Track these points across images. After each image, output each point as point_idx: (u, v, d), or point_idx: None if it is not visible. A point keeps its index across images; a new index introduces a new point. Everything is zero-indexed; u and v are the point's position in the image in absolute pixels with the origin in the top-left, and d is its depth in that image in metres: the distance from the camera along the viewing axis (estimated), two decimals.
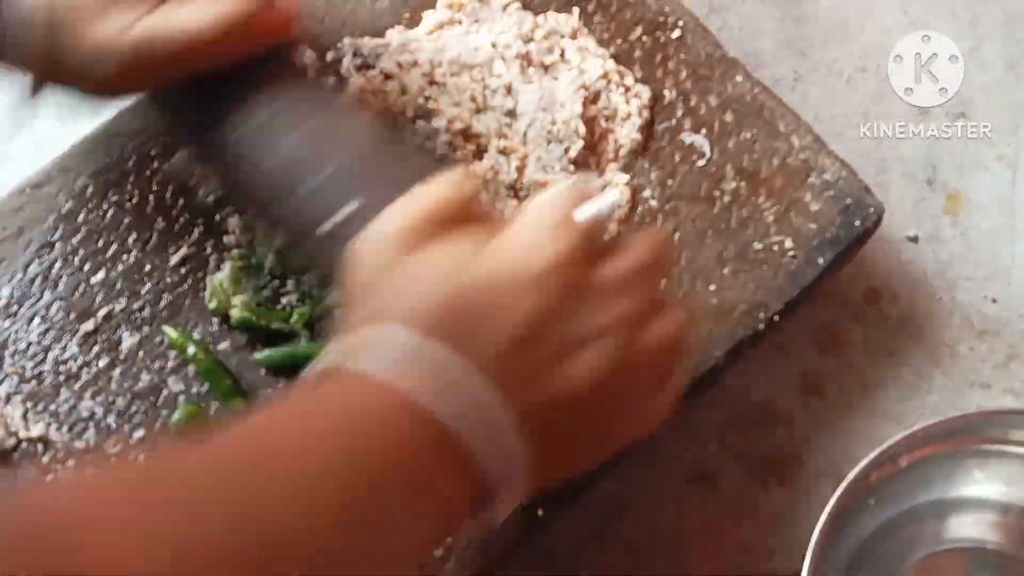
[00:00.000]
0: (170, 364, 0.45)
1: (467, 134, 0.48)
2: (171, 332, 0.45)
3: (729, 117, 0.50)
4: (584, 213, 0.35)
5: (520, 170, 0.48)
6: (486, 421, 0.31)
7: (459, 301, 0.32)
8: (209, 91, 0.41)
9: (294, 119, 0.40)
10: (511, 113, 0.49)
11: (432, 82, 0.48)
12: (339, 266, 0.36)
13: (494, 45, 0.50)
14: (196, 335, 0.45)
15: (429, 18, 0.52)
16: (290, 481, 0.28)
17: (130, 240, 0.47)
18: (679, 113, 0.50)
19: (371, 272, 0.34)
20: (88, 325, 0.46)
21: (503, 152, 0.48)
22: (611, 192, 0.35)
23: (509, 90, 0.49)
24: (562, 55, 0.51)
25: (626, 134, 0.49)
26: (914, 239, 0.53)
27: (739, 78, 0.50)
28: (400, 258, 0.33)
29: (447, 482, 0.31)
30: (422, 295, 0.32)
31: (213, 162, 0.44)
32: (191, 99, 0.43)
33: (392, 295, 0.33)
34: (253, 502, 0.27)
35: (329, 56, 0.50)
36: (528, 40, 0.50)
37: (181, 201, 0.48)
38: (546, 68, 0.50)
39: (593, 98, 0.50)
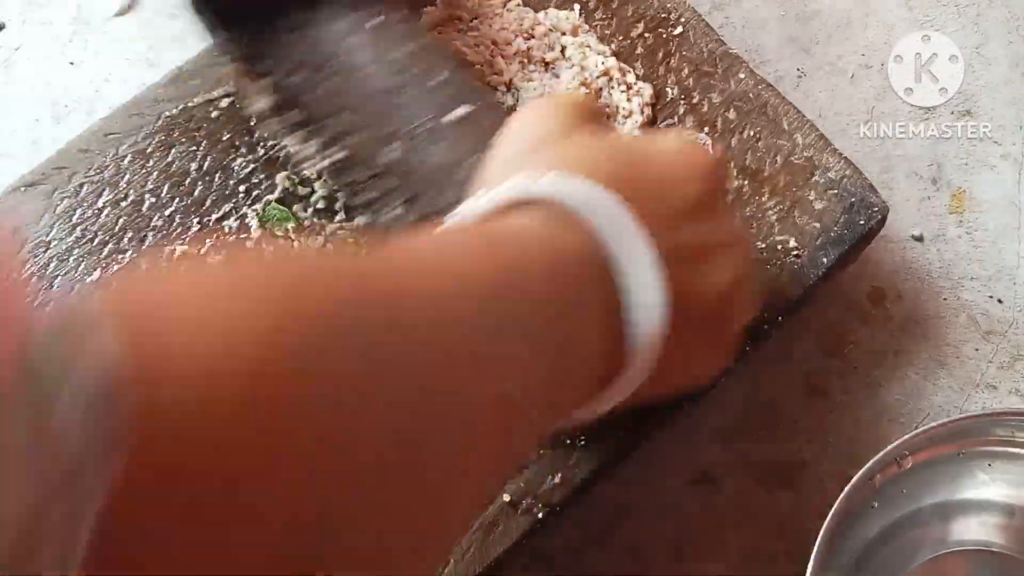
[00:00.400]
0: None
1: None
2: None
3: (732, 114, 0.49)
4: None
5: None
6: (645, 287, 0.31)
7: (632, 169, 0.33)
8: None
9: (408, 31, 0.40)
10: (512, 111, 0.48)
11: None
12: (434, 185, 0.36)
13: (494, 42, 0.49)
14: None
15: (428, 16, 0.51)
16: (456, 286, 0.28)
17: (125, 239, 0.47)
18: (681, 110, 0.50)
19: (541, 132, 0.35)
20: None
21: None
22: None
23: (509, 87, 0.48)
24: (563, 52, 0.50)
25: (628, 132, 0.49)
26: (919, 238, 0.53)
27: (742, 75, 0.50)
28: (567, 127, 0.35)
29: (599, 321, 0.31)
30: (598, 157, 0.33)
31: (308, 58, 0.42)
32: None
33: (567, 153, 0.33)
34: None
35: None
36: (529, 37, 0.50)
37: (177, 201, 0.48)
38: (547, 65, 0.50)
39: (594, 96, 0.49)
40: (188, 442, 0.20)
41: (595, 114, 0.37)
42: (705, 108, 0.50)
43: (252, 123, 0.49)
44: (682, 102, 0.50)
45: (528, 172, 0.32)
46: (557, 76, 0.50)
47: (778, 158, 0.48)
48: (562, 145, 0.34)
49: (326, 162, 0.43)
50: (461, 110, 0.38)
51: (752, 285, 0.37)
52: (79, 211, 0.47)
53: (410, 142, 0.39)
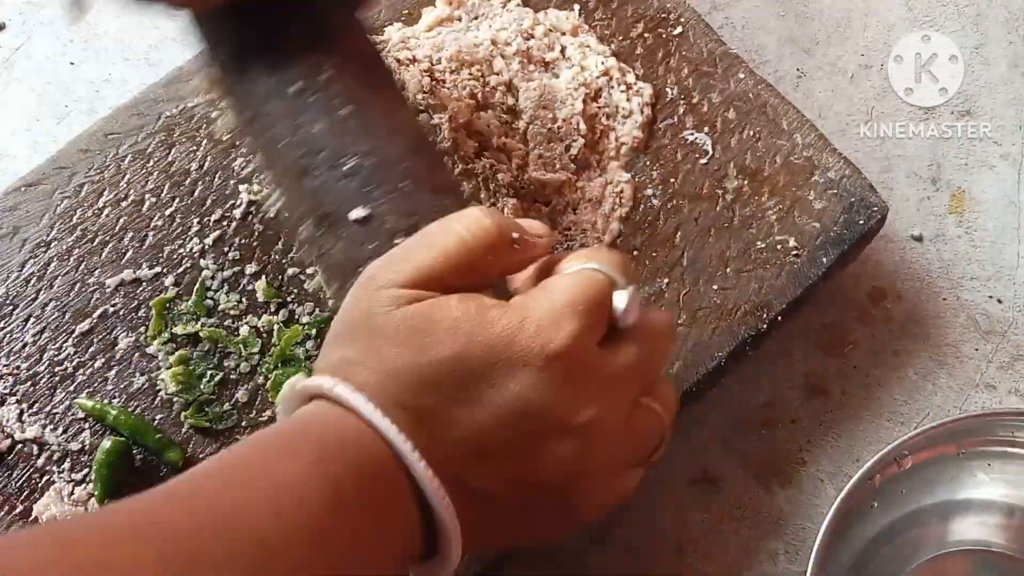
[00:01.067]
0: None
1: (468, 130, 0.47)
2: (86, 403, 0.44)
3: (731, 114, 0.49)
4: (616, 295, 0.33)
5: (521, 168, 0.47)
6: (429, 493, 0.30)
7: (444, 373, 0.30)
8: (257, 27, 0.39)
9: (334, 100, 0.38)
10: (511, 110, 0.48)
11: (432, 78, 0.48)
12: (337, 279, 0.35)
13: (494, 42, 0.49)
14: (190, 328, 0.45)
15: (428, 15, 0.51)
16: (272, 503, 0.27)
17: (126, 239, 0.47)
18: (681, 110, 0.50)
19: (363, 313, 0.32)
20: (83, 325, 0.45)
21: (502, 150, 0.47)
22: (630, 290, 0.33)
23: (509, 87, 0.48)
24: (563, 52, 0.50)
25: (627, 132, 0.49)
26: (918, 238, 0.53)
27: (742, 75, 0.50)
28: (396, 307, 0.31)
29: (399, 525, 0.30)
30: (403, 360, 0.31)
31: (244, 109, 0.40)
32: (238, 34, 0.40)
33: (375, 350, 0.31)
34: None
35: None
36: (528, 37, 0.50)
37: (177, 200, 0.48)
38: (546, 65, 0.50)
39: (594, 95, 0.49)
40: None
41: (462, 267, 0.33)
42: (705, 108, 0.50)
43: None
44: (682, 102, 0.50)
45: (327, 366, 0.32)
46: (557, 76, 0.50)
47: (778, 158, 0.48)
48: (378, 337, 0.31)
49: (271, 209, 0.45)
50: (358, 212, 0.36)
51: (635, 433, 0.33)
52: (79, 211, 0.47)
53: (316, 229, 0.38)
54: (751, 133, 0.49)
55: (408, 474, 0.30)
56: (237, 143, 0.49)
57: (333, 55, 0.38)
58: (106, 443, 0.42)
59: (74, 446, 0.43)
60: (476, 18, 0.51)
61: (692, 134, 0.49)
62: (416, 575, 0.32)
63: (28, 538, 0.27)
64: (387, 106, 0.39)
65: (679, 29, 0.51)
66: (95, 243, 0.47)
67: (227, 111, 0.45)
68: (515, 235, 0.33)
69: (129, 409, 0.44)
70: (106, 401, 0.44)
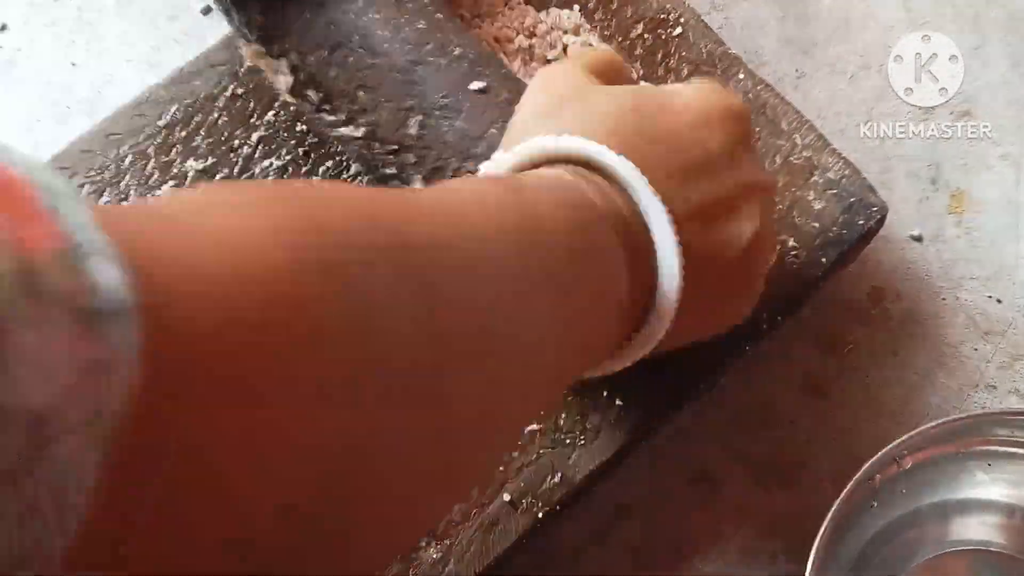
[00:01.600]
0: None
1: None
2: None
3: None
4: None
5: None
6: (661, 245, 0.32)
7: (646, 127, 0.33)
8: None
9: (429, 5, 0.41)
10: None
11: None
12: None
13: (496, 39, 0.49)
14: None
15: None
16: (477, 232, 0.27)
17: None
18: None
19: (562, 91, 0.35)
20: None
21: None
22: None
23: None
24: (565, 51, 0.50)
25: None
26: (918, 239, 0.53)
27: (741, 75, 0.50)
28: (587, 85, 0.35)
29: (622, 274, 0.32)
30: (611, 118, 0.33)
31: (318, 32, 0.42)
32: None
33: (583, 115, 0.34)
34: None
35: None
36: (530, 35, 0.50)
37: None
38: (548, 63, 0.50)
39: (614, 51, 0.49)
40: (210, 354, 0.17)
41: (614, 69, 0.38)
42: None
43: (254, 121, 0.49)
44: None
45: (544, 135, 0.33)
46: None
47: (777, 158, 0.48)
48: (578, 106, 0.34)
49: (346, 136, 0.43)
50: (476, 84, 0.40)
51: (773, 230, 0.38)
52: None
53: (427, 118, 0.40)
54: None
55: (644, 235, 0.32)
56: (237, 144, 0.49)
57: None
58: None
59: None
60: (477, 16, 0.51)
61: (711, 82, 0.49)
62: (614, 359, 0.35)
63: None
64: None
65: (679, 30, 0.51)
66: None
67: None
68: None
69: None
70: None
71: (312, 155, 0.48)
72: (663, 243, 0.32)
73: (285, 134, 0.49)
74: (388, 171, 0.42)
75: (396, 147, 0.41)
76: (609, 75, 0.38)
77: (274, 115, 0.49)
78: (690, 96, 0.36)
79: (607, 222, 0.32)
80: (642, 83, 0.40)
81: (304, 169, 0.48)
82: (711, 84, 0.38)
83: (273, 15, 0.42)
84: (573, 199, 0.31)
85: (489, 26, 0.50)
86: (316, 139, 0.48)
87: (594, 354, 0.34)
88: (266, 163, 0.48)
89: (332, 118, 0.42)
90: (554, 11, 0.51)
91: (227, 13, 0.43)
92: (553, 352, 0.29)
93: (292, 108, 0.49)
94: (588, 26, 0.51)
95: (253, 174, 0.48)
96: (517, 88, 0.39)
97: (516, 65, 0.49)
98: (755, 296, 0.39)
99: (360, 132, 0.42)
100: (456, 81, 0.40)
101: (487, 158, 0.35)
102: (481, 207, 0.28)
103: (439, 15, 0.41)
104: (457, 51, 0.41)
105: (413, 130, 0.40)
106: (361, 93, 0.41)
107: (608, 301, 0.32)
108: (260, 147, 0.49)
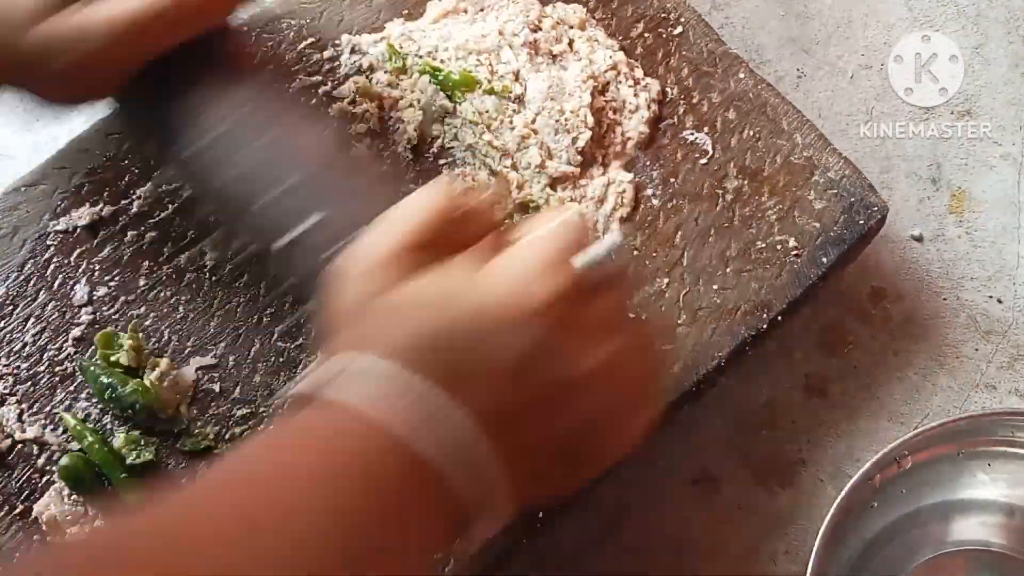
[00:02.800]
0: None
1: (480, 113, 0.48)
2: (69, 420, 0.43)
3: (732, 114, 0.49)
4: (582, 260, 0.34)
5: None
6: (464, 454, 0.30)
7: (444, 336, 0.31)
8: (165, 97, 0.41)
9: (248, 132, 0.40)
10: (519, 100, 0.48)
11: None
12: (310, 282, 0.36)
13: (501, 33, 0.49)
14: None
15: (434, 8, 0.51)
16: (272, 523, 0.27)
17: (126, 240, 0.47)
18: (681, 110, 0.50)
19: (355, 297, 0.33)
20: (84, 325, 0.45)
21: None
22: (609, 236, 0.35)
23: (517, 77, 0.48)
24: (570, 45, 0.50)
25: (633, 127, 0.49)
26: (918, 238, 0.53)
27: (742, 75, 0.50)
28: (386, 284, 0.32)
29: (426, 514, 0.31)
30: (407, 328, 0.32)
31: (180, 174, 0.44)
32: (149, 112, 0.42)
33: (376, 325, 0.32)
34: (236, 554, 0.26)
35: (327, 53, 0.50)
36: (536, 29, 0.50)
37: (176, 201, 0.48)
38: (554, 57, 0.50)
39: (601, 89, 0.49)
40: None
41: (452, 225, 0.34)
42: (705, 108, 0.50)
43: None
44: (682, 102, 0.50)
45: (324, 363, 0.32)
46: (564, 68, 0.49)
47: (778, 158, 0.48)
48: (377, 313, 0.32)
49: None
50: (313, 218, 0.37)
51: (635, 373, 0.35)
52: (79, 211, 0.47)
53: (282, 252, 0.39)
54: (751, 133, 0.49)
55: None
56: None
57: (234, 91, 0.41)
58: (64, 459, 0.42)
59: (74, 446, 0.43)
60: (482, 10, 0.51)
61: (692, 134, 0.49)
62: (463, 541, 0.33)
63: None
64: (297, 126, 0.41)
65: (679, 29, 0.51)
66: (95, 243, 0.47)
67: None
68: (467, 203, 0.35)
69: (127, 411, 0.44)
70: (87, 424, 0.43)
71: None
72: (473, 459, 0.31)
73: None
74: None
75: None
76: (441, 237, 0.34)
77: None
78: (515, 283, 0.32)
79: (399, 460, 0.30)
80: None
81: None
82: (547, 251, 0.33)
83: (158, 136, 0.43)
84: (359, 448, 0.30)
85: (494, 19, 0.50)
86: None
87: (419, 565, 0.32)
88: None
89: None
90: (560, 5, 0.51)
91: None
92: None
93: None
94: (594, 21, 0.51)
95: None
96: (356, 210, 0.36)
97: (522, 58, 0.49)
98: (600, 465, 0.36)
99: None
100: (296, 213, 0.38)
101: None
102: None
103: (264, 139, 0.39)
104: (287, 184, 0.38)
105: (277, 263, 0.40)
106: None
107: (420, 531, 0.30)
108: None
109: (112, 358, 0.44)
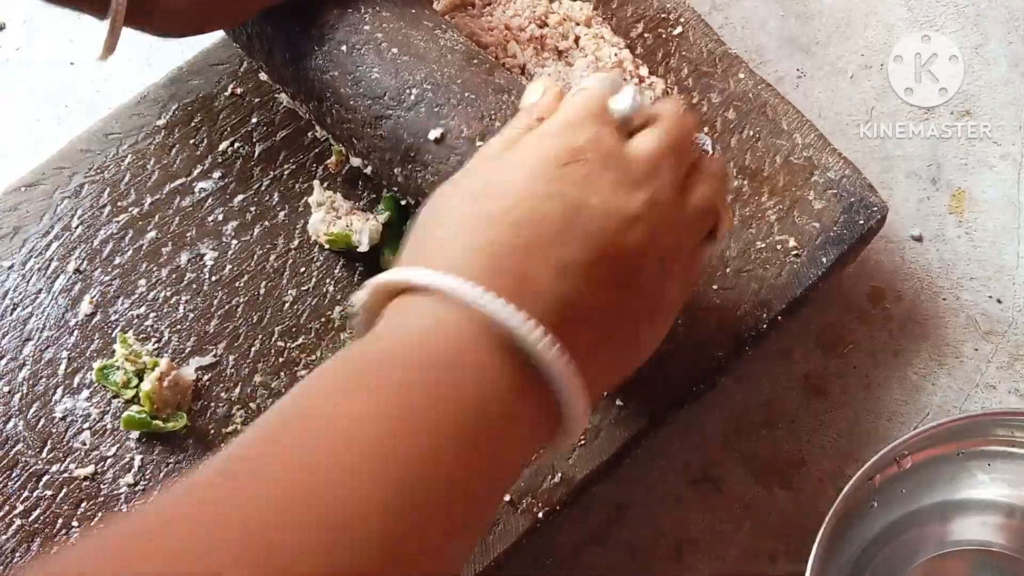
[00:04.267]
0: None
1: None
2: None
3: (731, 114, 0.49)
4: (616, 104, 0.36)
5: None
6: (544, 360, 0.30)
7: (495, 240, 0.32)
8: (290, 15, 0.43)
9: (381, 44, 0.42)
10: None
11: None
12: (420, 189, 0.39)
13: (508, 27, 0.49)
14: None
15: (440, 2, 0.51)
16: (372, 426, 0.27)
17: (126, 239, 0.47)
18: None
19: (436, 202, 0.34)
20: (83, 325, 0.45)
21: None
22: (625, 89, 0.37)
23: (523, 71, 0.48)
24: (576, 42, 0.50)
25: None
26: (918, 239, 0.53)
27: (741, 75, 0.50)
28: (446, 203, 0.34)
29: (528, 408, 0.31)
30: (466, 244, 0.32)
31: (303, 86, 0.44)
32: (275, 32, 0.44)
33: (442, 239, 0.33)
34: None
35: None
36: (542, 25, 0.50)
37: (176, 201, 0.48)
38: (560, 54, 0.50)
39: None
40: None
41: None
42: (705, 108, 0.50)
43: (254, 120, 0.49)
44: (682, 102, 0.50)
45: (415, 267, 0.32)
46: (570, 64, 0.49)
47: (777, 158, 0.48)
48: (435, 230, 0.33)
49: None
50: (433, 133, 0.40)
51: (695, 205, 0.36)
52: (79, 211, 0.47)
53: (404, 167, 0.42)
54: (751, 133, 0.49)
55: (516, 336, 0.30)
56: (237, 146, 0.49)
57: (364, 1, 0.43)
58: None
59: (76, 445, 0.43)
60: (489, 4, 0.51)
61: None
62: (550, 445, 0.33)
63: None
64: (430, 32, 0.43)
65: (679, 29, 0.51)
66: (94, 243, 0.47)
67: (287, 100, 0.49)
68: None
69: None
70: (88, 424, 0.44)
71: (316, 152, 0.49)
72: (545, 360, 0.30)
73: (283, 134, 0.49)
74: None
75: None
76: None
77: (272, 114, 0.49)
78: (554, 136, 0.34)
79: (484, 352, 0.30)
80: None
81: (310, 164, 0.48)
82: (583, 103, 0.35)
83: (271, 64, 0.45)
84: (450, 344, 0.30)
85: (501, 14, 0.50)
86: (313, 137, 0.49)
87: (516, 464, 0.32)
88: (268, 167, 0.48)
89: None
90: (566, 2, 0.51)
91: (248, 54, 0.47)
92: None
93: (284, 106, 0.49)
94: (600, 18, 0.51)
95: (253, 175, 0.48)
96: (478, 115, 0.40)
97: (528, 53, 0.49)
98: (674, 297, 0.36)
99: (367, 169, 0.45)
100: (417, 130, 0.40)
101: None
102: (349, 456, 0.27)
103: (394, 50, 0.42)
104: (413, 95, 0.41)
105: (400, 179, 0.42)
106: (353, 141, 0.44)
107: (510, 441, 0.30)
108: (260, 151, 0.49)
109: (111, 377, 0.44)
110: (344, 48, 0.42)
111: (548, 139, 0.34)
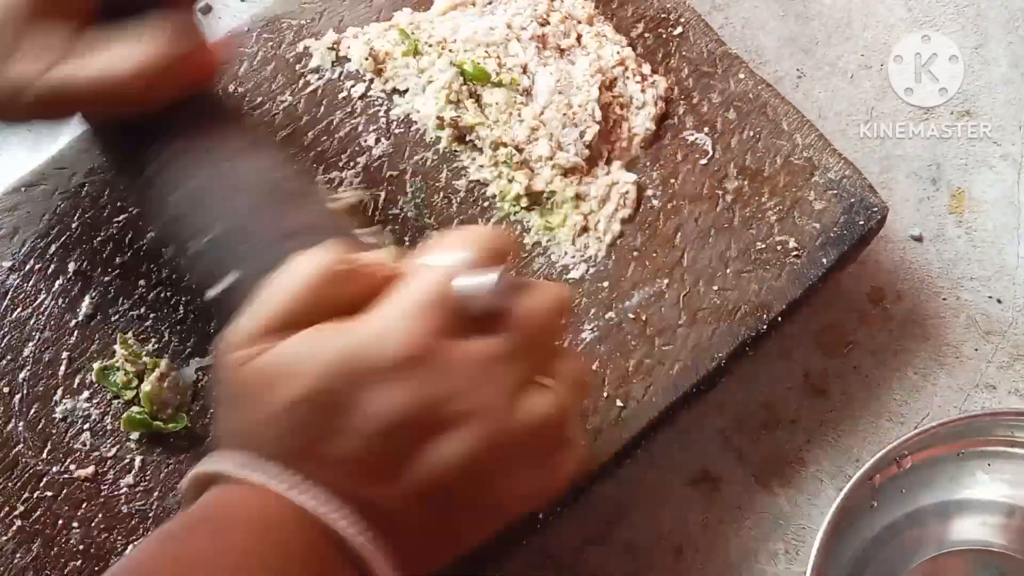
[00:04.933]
0: None
1: (482, 104, 0.48)
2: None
3: (732, 115, 0.49)
4: (460, 284, 0.32)
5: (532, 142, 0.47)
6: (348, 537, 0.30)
7: (307, 412, 0.30)
8: (128, 130, 0.40)
9: (180, 175, 0.39)
10: (527, 92, 0.48)
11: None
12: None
13: (509, 26, 0.49)
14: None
15: (442, 0, 0.51)
16: None
17: (126, 240, 0.47)
18: (681, 111, 0.50)
19: (227, 385, 0.32)
20: (83, 325, 0.45)
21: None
22: (490, 275, 0.32)
23: (525, 70, 0.48)
24: (578, 40, 0.50)
25: (640, 123, 0.49)
26: (918, 239, 0.53)
27: (742, 75, 0.50)
28: (252, 366, 0.31)
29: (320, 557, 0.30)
30: (270, 418, 0.30)
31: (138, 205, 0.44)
32: (114, 136, 0.42)
33: (242, 416, 0.31)
34: None
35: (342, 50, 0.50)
36: (544, 23, 0.50)
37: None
38: (562, 52, 0.50)
39: (609, 84, 0.49)
40: None
41: (332, 290, 0.32)
42: (705, 108, 0.50)
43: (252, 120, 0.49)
44: (682, 102, 0.50)
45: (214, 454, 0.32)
46: (572, 63, 0.49)
47: (778, 158, 0.48)
48: (244, 402, 0.32)
49: None
50: (217, 288, 0.37)
51: (533, 420, 0.32)
52: (79, 211, 0.47)
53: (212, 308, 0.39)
54: (751, 133, 0.49)
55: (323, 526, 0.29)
56: None
57: (174, 132, 0.39)
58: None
59: (76, 445, 0.43)
60: (490, 3, 0.51)
61: (692, 134, 0.49)
62: None
63: None
64: (221, 167, 0.39)
65: (679, 29, 0.51)
66: (94, 244, 0.47)
67: None
68: (350, 266, 0.32)
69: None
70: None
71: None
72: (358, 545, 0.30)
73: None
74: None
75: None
76: (314, 306, 0.32)
77: (272, 115, 0.49)
78: (382, 331, 0.31)
79: (295, 541, 0.29)
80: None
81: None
82: (420, 289, 0.31)
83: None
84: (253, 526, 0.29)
85: (502, 12, 0.50)
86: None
87: None
88: None
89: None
90: (568, 0, 0.51)
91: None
92: None
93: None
94: (602, 17, 0.51)
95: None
96: (264, 268, 0.34)
97: (530, 52, 0.49)
98: (508, 508, 0.33)
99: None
100: (202, 283, 0.38)
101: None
102: None
103: (177, 196, 0.38)
104: (191, 249, 0.38)
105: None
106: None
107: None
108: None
109: (111, 378, 0.44)
110: (143, 179, 0.40)
111: (377, 329, 0.31)
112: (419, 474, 0.31)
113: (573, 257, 0.47)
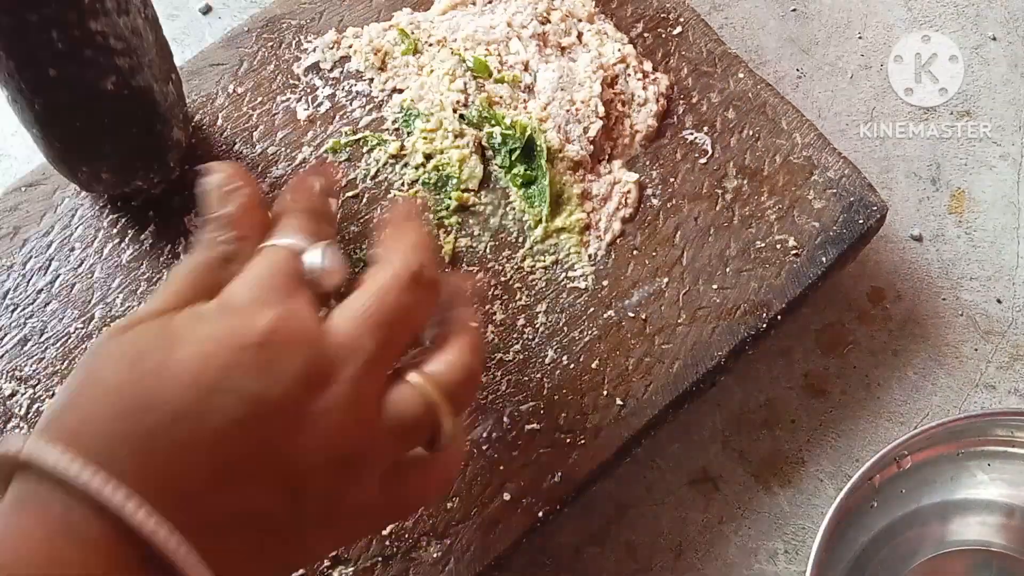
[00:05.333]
0: None
1: (489, 101, 0.48)
2: None
3: (731, 114, 0.49)
4: (311, 259, 0.31)
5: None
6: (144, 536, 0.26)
7: (156, 421, 0.27)
8: None
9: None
10: (529, 89, 0.48)
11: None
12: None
13: (510, 24, 0.49)
14: None
15: (441, 0, 0.51)
16: None
17: (127, 238, 0.47)
18: (681, 110, 0.50)
19: (79, 364, 0.30)
20: (85, 325, 0.45)
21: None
22: (318, 249, 0.31)
23: (527, 67, 0.49)
24: (579, 38, 0.50)
25: (642, 120, 0.49)
26: (918, 238, 0.53)
27: (741, 75, 0.50)
28: (104, 345, 0.29)
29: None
30: (95, 416, 0.27)
31: None
32: None
33: (75, 408, 0.28)
34: None
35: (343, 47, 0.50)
36: (544, 21, 0.50)
37: (177, 200, 0.48)
38: (563, 50, 0.50)
39: (610, 81, 0.49)
40: None
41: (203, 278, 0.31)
42: (704, 108, 0.50)
43: (253, 120, 0.49)
44: (681, 102, 0.50)
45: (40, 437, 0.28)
46: (574, 60, 0.50)
47: (777, 157, 0.48)
48: (78, 394, 0.28)
49: None
50: None
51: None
52: (80, 211, 0.47)
53: None
54: (751, 133, 0.49)
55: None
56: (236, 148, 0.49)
57: None
58: None
59: None
60: (491, 2, 0.51)
61: (692, 134, 0.49)
62: None
63: None
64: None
65: (679, 29, 0.51)
66: (95, 243, 0.47)
67: None
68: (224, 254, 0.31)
69: None
70: None
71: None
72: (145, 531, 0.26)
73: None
74: None
75: None
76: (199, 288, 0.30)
77: (272, 115, 0.49)
78: (213, 337, 0.28)
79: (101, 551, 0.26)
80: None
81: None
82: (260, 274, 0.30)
83: None
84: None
85: (503, 11, 0.50)
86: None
87: None
88: (269, 167, 0.48)
89: None
90: None
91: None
92: None
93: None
94: (603, 16, 0.51)
95: (253, 174, 0.48)
96: None
97: (531, 50, 0.49)
98: (377, 514, 0.31)
99: None
100: None
101: None
102: None
103: None
104: None
105: None
106: None
107: None
108: (259, 150, 0.49)
109: None
110: None
111: (226, 319, 0.28)
112: (270, 471, 0.28)
113: (578, 254, 0.47)
